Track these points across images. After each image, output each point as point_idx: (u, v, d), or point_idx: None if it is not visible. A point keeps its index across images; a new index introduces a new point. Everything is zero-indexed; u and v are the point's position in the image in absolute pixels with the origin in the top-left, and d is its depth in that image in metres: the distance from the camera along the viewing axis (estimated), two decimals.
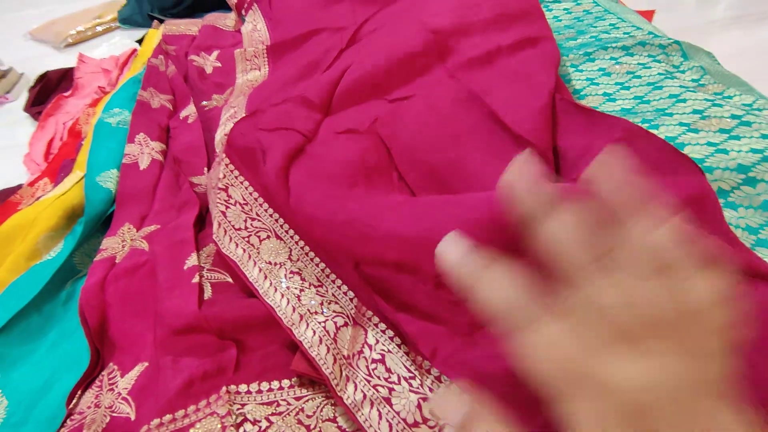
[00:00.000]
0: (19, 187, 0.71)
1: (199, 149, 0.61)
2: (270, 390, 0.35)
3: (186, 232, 0.48)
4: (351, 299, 0.38)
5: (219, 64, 0.82)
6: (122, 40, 1.22)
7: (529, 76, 0.47)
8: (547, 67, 0.47)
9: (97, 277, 0.45)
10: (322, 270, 0.41)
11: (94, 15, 1.30)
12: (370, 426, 0.30)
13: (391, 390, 0.32)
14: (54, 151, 0.80)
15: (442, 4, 0.57)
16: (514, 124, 0.42)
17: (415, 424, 0.30)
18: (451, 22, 0.54)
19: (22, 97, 1.00)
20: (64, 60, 1.13)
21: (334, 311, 0.36)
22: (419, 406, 0.31)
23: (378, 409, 0.31)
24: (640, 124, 0.43)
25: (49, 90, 0.98)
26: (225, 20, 0.98)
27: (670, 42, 0.57)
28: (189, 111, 0.69)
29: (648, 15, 0.76)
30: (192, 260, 0.45)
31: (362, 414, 0.31)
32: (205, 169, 0.58)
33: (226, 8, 1.10)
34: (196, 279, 0.43)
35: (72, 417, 0.37)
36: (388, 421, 0.31)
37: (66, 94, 0.94)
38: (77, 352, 0.43)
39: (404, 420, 0.31)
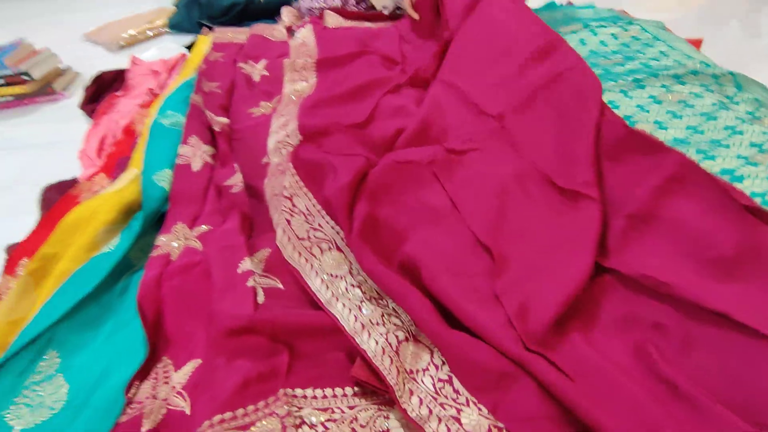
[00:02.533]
0: (76, 180, 0.75)
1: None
2: (324, 397, 0.36)
3: (237, 237, 0.50)
4: None
5: (267, 73, 0.85)
6: (171, 45, 1.28)
7: (566, 113, 0.48)
8: (582, 99, 0.48)
9: (154, 272, 0.47)
10: None
11: (145, 20, 1.36)
12: None
13: (459, 410, 0.33)
14: (106, 148, 0.84)
15: (482, 76, 0.59)
16: (559, 178, 0.44)
17: None
18: (506, 102, 0.55)
19: (77, 94, 1.06)
20: (116, 61, 1.18)
21: (394, 324, 0.38)
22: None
23: (447, 425, 0.32)
24: (695, 155, 0.43)
25: (102, 89, 1.03)
26: (273, 31, 1.01)
27: (723, 72, 0.56)
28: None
29: (696, 44, 0.76)
30: (246, 264, 0.46)
31: (430, 428, 0.32)
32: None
33: (272, 18, 1.14)
34: (251, 282, 0.44)
35: (131, 405, 0.39)
36: None
37: (118, 93, 0.99)
38: (132, 342, 0.44)
39: None
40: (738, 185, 0.41)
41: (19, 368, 0.44)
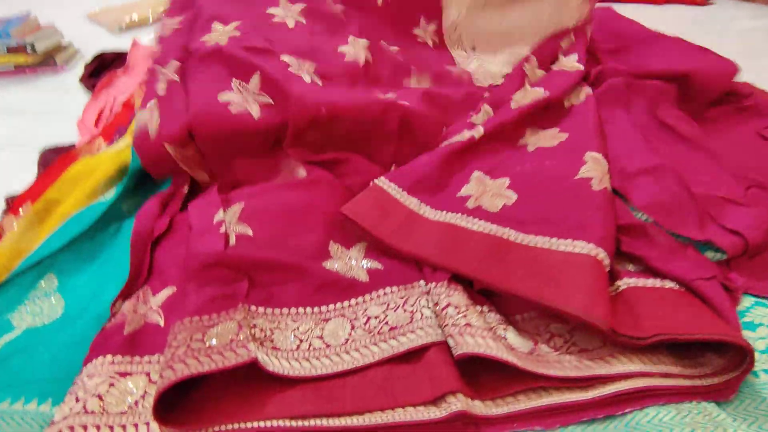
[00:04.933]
0: (73, 145, 0.83)
1: None
2: (273, 314, 0.47)
3: (214, 195, 0.60)
4: None
5: None
6: None
7: None
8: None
9: (151, 209, 0.57)
10: None
11: (148, 5, 1.45)
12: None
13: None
14: (104, 120, 0.92)
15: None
16: None
17: None
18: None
19: (77, 69, 1.14)
20: (117, 43, 1.26)
21: None
22: None
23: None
24: None
25: (103, 67, 1.11)
26: None
27: None
28: None
29: None
30: (219, 216, 0.56)
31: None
32: None
33: None
34: (222, 229, 0.54)
35: (116, 317, 0.48)
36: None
37: (119, 71, 1.07)
38: (119, 272, 0.53)
39: None
40: None
41: (23, 285, 0.53)
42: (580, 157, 0.58)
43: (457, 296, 0.45)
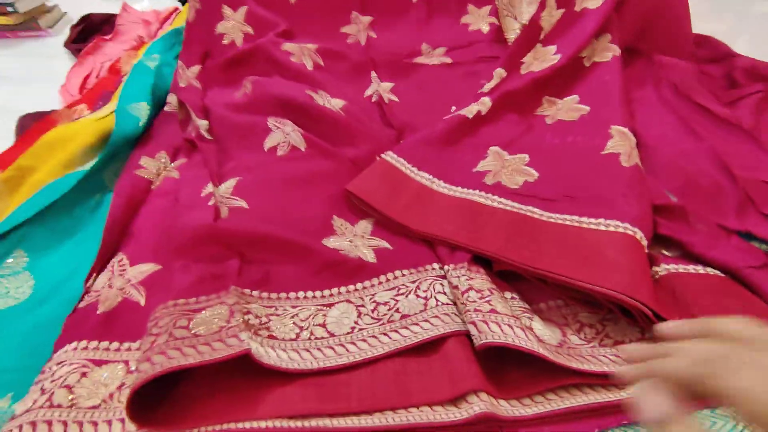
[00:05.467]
0: (54, 111, 0.77)
1: None
2: (269, 298, 0.41)
3: (203, 169, 0.54)
4: None
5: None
6: None
7: None
8: None
9: (130, 179, 0.52)
10: None
11: None
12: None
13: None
14: (89, 86, 0.85)
15: None
16: None
17: None
18: None
19: (63, 34, 1.06)
20: (106, 7, 1.18)
21: None
22: None
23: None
24: None
25: (89, 31, 1.03)
26: None
27: None
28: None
29: None
30: (208, 189, 0.51)
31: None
32: None
33: None
34: (212, 202, 0.48)
35: (89, 294, 0.42)
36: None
37: (106, 37, 0.99)
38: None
39: None
40: None
41: None
42: (605, 131, 0.53)
43: (480, 279, 0.40)
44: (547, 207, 0.46)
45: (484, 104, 0.60)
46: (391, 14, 0.78)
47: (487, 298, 0.38)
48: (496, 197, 0.49)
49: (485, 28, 0.78)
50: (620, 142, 0.52)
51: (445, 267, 0.43)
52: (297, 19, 0.75)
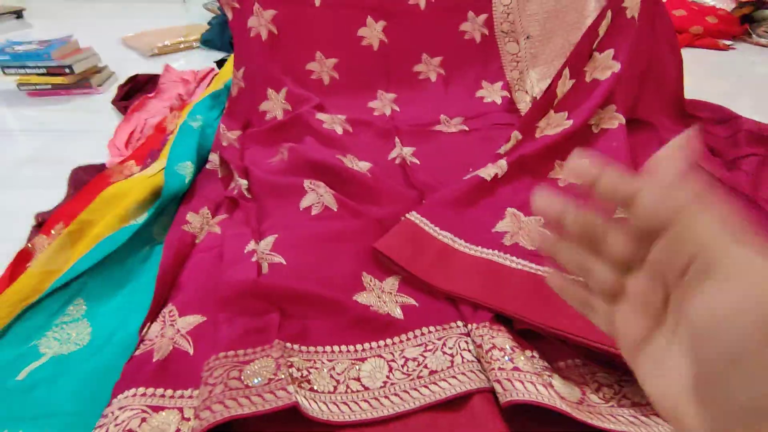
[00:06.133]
0: (104, 165, 0.84)
1: None
2: (308, 351, 0.45)
3: (245, 227, 0.60)
4: None
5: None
6: (200, 59, 1.41)
7: None
8: None
9: (178, 234, 0.57)
10: None
11: (180, 33, 1.50)
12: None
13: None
14: (133, 142, 0.94)
15: None
16: None
17: None
18: None
19: (110, 91, 1.17)
20: (148, 66, 1.31)
21: None
22: None
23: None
24: None
25: (135, 90, 1.14)
26: None
27: None
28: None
29: None
30: (250, 246, 0.56)
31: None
32: None
33: None
34: (254, 258, 0.53)
35: (144, 342, 0.46)
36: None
37: (150, 95, 1.10)
38: (148, 299, 0.52)
39: None
40: None
41: (51, 309, 0.52)
42: None
43: (501, 338, 0.43)
44: None
45: (501, 167, 0.66)
46: (413, 91, 0.87)
47: (511, 357, 0.41)
48: (514, 258, 0.53)
49: (498, 100, 0.87)
50: None
51: (469, 326, 0.46)
52: (328, 97, 0.85)
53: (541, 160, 0.69)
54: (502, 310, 0.46)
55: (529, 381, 0.39)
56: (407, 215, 0.60)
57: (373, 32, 0.88)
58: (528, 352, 0.44)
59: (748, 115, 0.88)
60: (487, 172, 0.66)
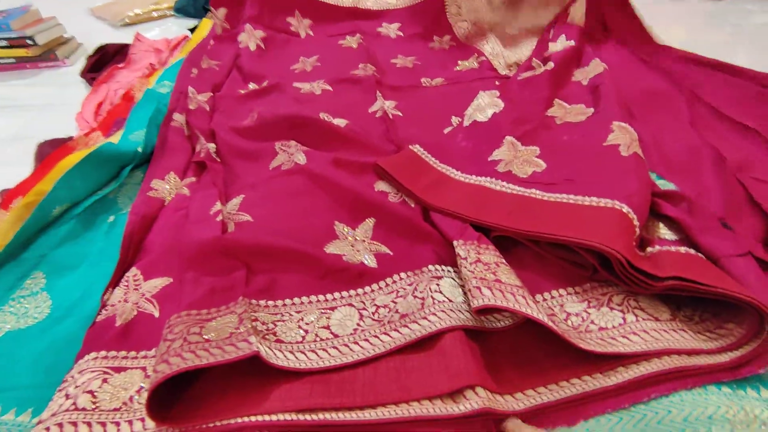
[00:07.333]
0: (71, 138, 0.81)
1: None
2: (275, 305, 0.44)
3: (212, 188, 0.57)
4: None
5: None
6: (174, 27, 1.35)
7: None
8: None
9: (145, 204, 0.55)
10: None
11: (151, 1, 1.43)
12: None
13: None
14: (102, 113, 0.90)
15: None
16: None
17: None
18: None
19: (78, 63, 1.12)
20: (119, 37, 1.24)
21: None
22: None
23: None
24: None
25: (104, 61, 1.09)
26: None
27: None
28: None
29: None
30: (216, 207, 0.53)
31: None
32: None
33: None
34: (219, 218, 0.51)
35: (106, 308, 0.45)
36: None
37: (120, 66, 1.05)
38: (112, 270, 0.50)
39: None
40: None
41: (7, 284, 0.50)
42: (606, 126, 0.58)
43: (488, 254, 0.44)
44: (548, 189, 0.51)
45: (498, 106, 0.67)
46: (395, 73, 0.87)
47: (493, 270, 0.41)
48: (504, 183, 0.54)
49: (476, 66, 0.88)
50: (620, 135, 0.56)
51: (455, 242, 0.46)
52: (313, 73, 0.85)
53: (545, 91, 0.70)
54: (484, 221, 0.48)
55: (509, 292, 0.39)
56: (410, 146, 0.62)
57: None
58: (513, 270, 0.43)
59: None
60: (485, 114, 0.67)
